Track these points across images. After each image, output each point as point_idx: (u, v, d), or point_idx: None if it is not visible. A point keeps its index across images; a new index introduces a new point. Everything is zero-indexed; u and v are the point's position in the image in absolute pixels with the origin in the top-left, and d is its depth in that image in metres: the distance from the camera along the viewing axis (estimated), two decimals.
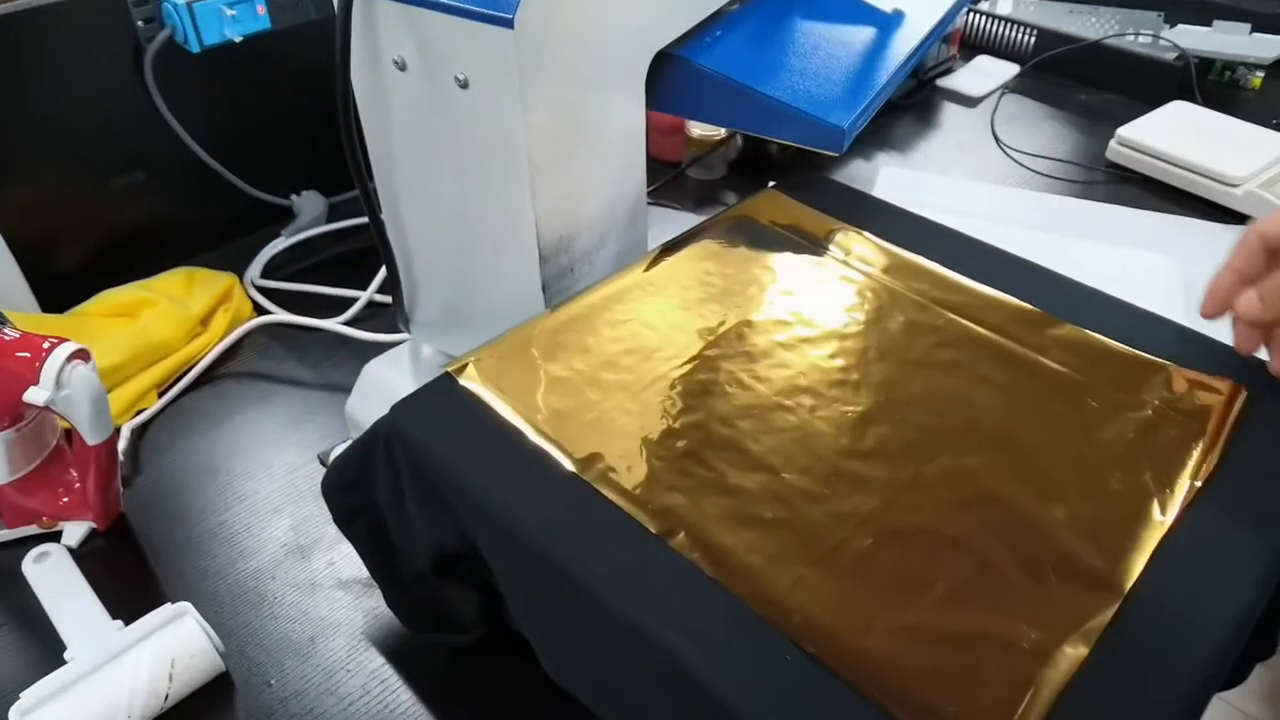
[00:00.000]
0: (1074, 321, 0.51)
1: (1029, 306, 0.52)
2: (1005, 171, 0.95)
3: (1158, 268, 0.80)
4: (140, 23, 0.71)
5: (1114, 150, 0.95)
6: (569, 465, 0.42)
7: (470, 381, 0.46)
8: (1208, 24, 1.11)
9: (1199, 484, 0.41)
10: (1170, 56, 1.06)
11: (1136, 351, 0.49)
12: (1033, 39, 1.14)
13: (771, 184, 0.65)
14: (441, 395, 0.46)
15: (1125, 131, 0.94)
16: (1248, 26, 1.09)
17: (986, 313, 0.51)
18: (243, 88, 0.80)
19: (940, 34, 0.69)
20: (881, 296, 0.53)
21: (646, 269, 0.55)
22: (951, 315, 0.51)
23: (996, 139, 1.01)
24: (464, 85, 0.47)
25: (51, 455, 0.58)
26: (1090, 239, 0.84)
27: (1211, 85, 1.09)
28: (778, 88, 0.57)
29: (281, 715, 0.50)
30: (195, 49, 0.72)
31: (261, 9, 0.73)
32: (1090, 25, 1.13)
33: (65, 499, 0.58)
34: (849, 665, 0.34)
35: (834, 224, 0.59)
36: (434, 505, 0.44)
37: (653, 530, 0.39)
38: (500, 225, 0.52)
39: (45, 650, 0.51)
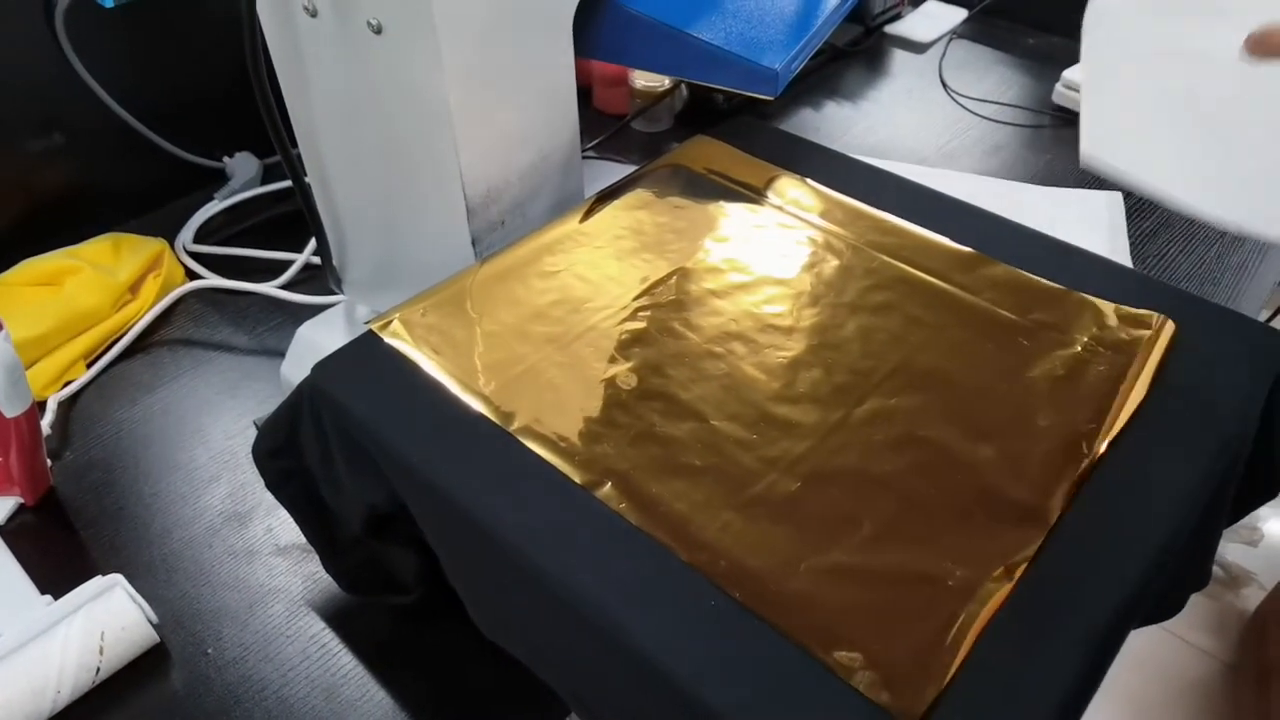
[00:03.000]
0: (1009, 262, 0.51)
1: (964, 248, 0.52)
2: (953, 117, 0.95)
3: (1103, 201, 0.81)
4: None
5: (1060, 93, 0.94)
6: (494, 420, 0.41)
7: (394, 338, 0.45)
8: None
9: (1126, 418, 0.41)
10: None
11: (1068, 289, 0.49)
12: None
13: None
14: (364, 353, 0.45)
15: (1071, 74, 0.94)
16: None
17: (921, 255, 0.51)
18: (166, 44, 0.77)
19: None
20: (816, 241, 0.52)
21: (580, 220, 0.54)
22: (886, 258, 0.51)
23: (944, 85, 1.00)
24: (377, 30, 0.45)
25: None
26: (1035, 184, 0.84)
27: None
28: (709, 31, 0.55)
29: (219, 683, 0.49)
30: (108, 3, 0.68)
31: None
32: None
33: None
34: (774, 608, 0.33)
35: (770, 169, 0.58)
36: (361, 465, 0.44)
37: (578, 482, 0.38)
38: (425, 178, 0.50)
39: None
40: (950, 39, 1.09)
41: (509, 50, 0.49)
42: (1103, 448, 0.40)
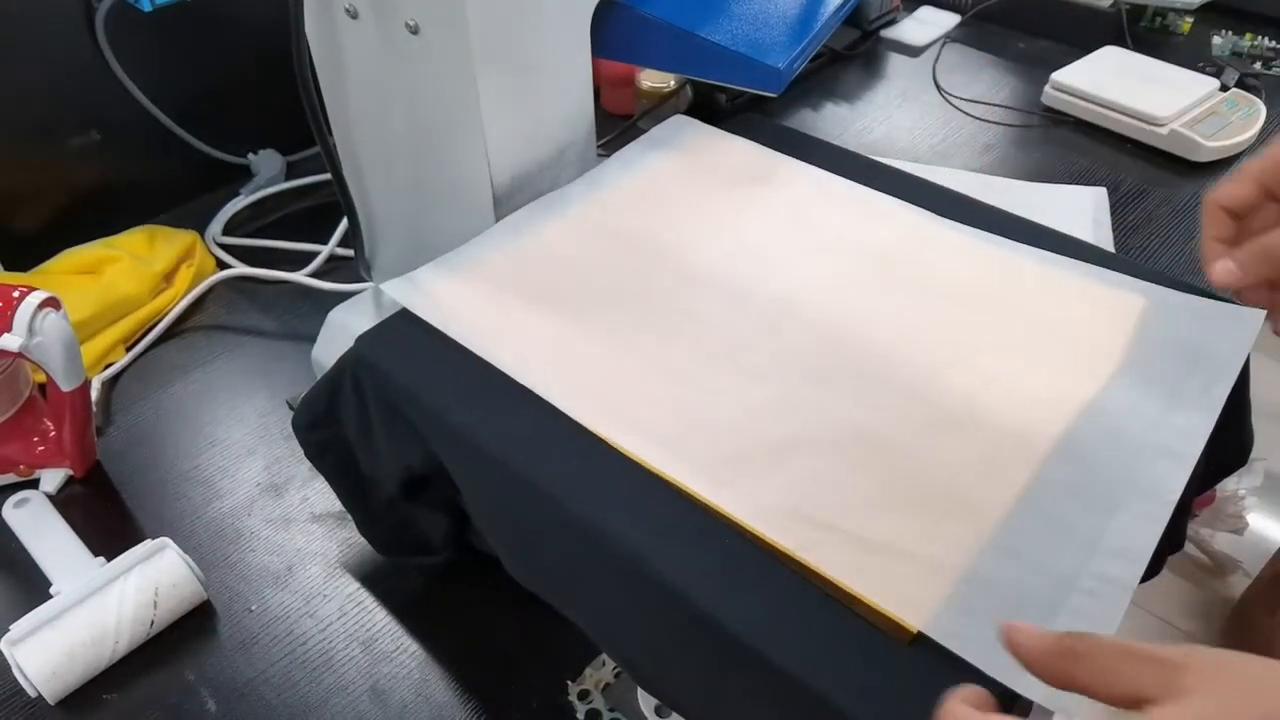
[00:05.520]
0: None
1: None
2: (945, 117, 0.99)
3: (1089, 196, 0.85)
4: None
5: (1048, 95, 0.98)
6: (526, 384, 0.44)
7: (431, 315, 0.49)
8: None
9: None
10: (1104, 4, 1.10)
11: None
12: None
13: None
14: (402, 326, 0.48)
15: (1059, 76, 0.98)
16: None
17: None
18: (197, 46, 0.81)
19: None
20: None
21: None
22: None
23: (938, 86, 1.04)
24: (415, 31, 0.49)
25: (26, 405, 0.60)
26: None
27: (1144, 30, 1.13)
28: (717, 31, 0.59)
29: (264, 638, 0.53)
30: (147, 7, 0.72)
31: None
32: None
33: (41, 447, 0.60)
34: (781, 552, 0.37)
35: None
36: (400, 430, 0.47)
37: (603, 436, 0.42)
38: (455, 169, 0.54)
39: (30, 589, 0.54)
40: (944, 43, 1.13)
41: (534, 48, 0.53)
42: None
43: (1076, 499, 0.39)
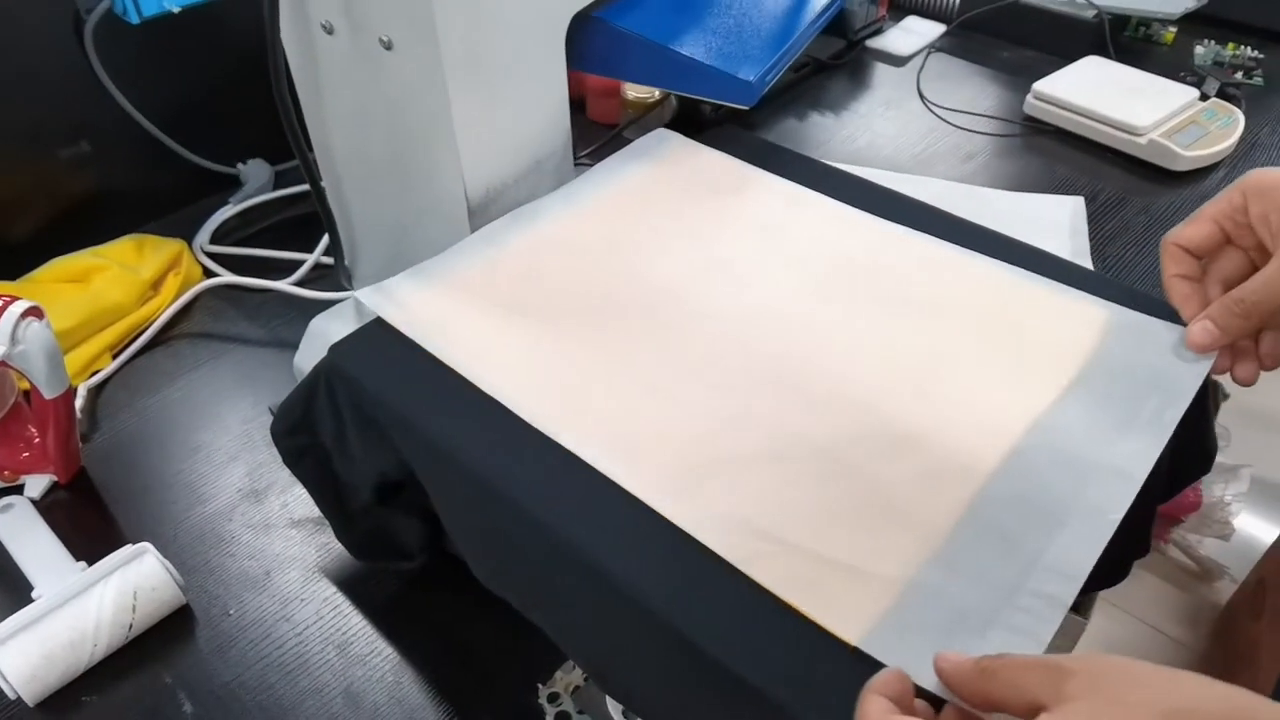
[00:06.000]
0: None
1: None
2: (928, 126, 1.00)
3: (1067, 206, 0.86)
4: None
5: (1030, 104, 0.99)
6: (491, 392, 0.45)
7: (396, 318, 0.50)
8: None
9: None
10: (1088, 14, 1.11)
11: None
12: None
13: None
14: (376, 335, 0.49)
15: (1040, 86, 0.99)
16: None
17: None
18: (185, 58, 0.82)
19: None
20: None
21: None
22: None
23: (921, 95, 1.05)
24: (388, 46, 0.50)
25: (11, 412, 0.61)
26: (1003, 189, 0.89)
27: (1128, 40, 1.14)
28: (690, 45, 0.60)
29: (241, 641, 0.54)
30: (135, 20, 0.73)
31: None
32: None
33: (26, 454, 0.61)
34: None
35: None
36: (373, 436, 0.48)
37: (565, 444, 0.43)
38: (430, 180, 0.55)
39: (13, 592, 0.55)
40: (929, 52, 1.14)
41: (507, 63, 0.54)
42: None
43: (1021, 515, 0.40)
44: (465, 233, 0.56)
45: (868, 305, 0.51)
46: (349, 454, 0.51)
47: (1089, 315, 0.50)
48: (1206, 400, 0.55)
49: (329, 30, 0.52)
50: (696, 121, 0.99)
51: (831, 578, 0.37)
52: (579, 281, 0.52)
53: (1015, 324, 0.50)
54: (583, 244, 0.55)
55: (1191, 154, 0.90)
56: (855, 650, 0.35)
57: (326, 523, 0.57)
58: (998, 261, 0.54)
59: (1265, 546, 1.29)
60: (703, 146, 0.65)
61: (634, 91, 0.95)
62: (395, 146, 0.55)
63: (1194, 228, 0.48)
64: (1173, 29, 1.14)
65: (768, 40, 0.63)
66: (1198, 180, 0.91)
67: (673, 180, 0.61)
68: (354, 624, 0.55)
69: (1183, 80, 1.00)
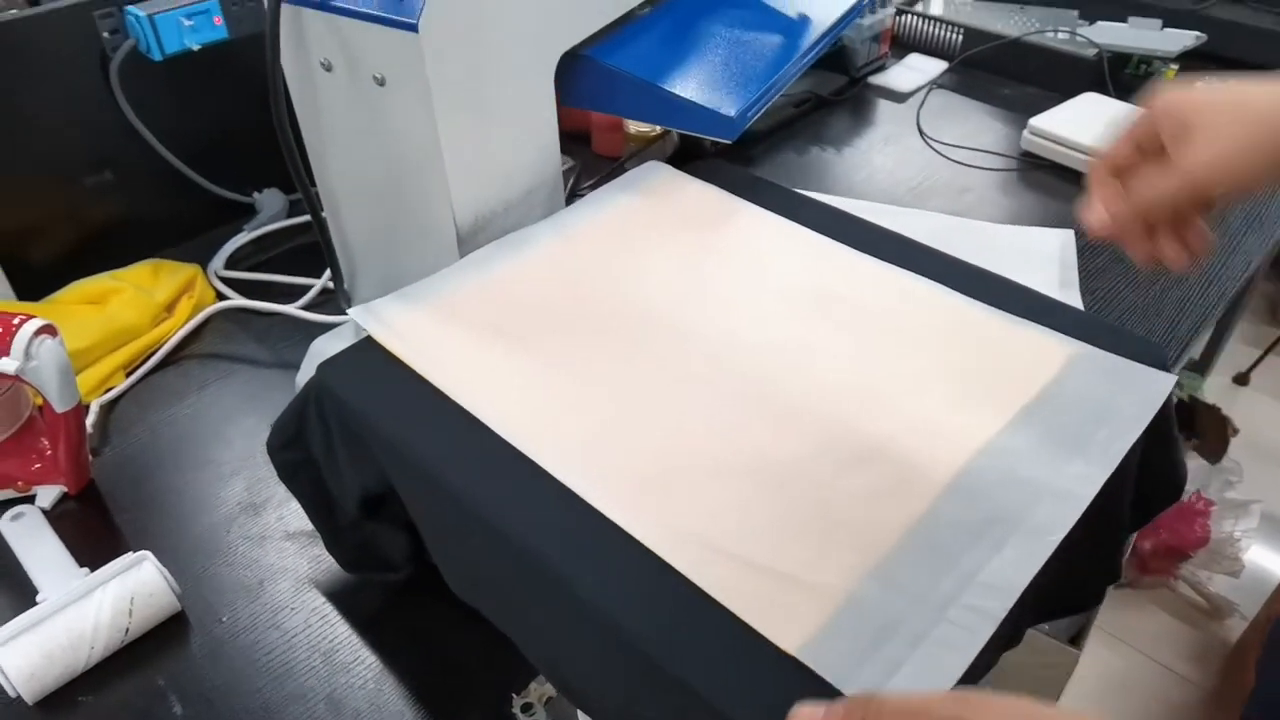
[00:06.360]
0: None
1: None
2: (925, 160, 1.02)
3: (1056, 239, 0.87)
4: (106, 34, 0.77)
5: (1026, 139, 1.01)
6: (465, 407, 0.48)
7: (382, 337, 0.52)
8: (1124, 20, 1.18)
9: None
10: (1089, 52, 1.13)
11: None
12: (960, 37, 1.21)
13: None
14: (363, 353, 0.52)
15: (1036, 121, 1.01)
16: (1159, 22, 1.16)
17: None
18: (204, 93, 0.86)
19: (834, 36, 0.75)
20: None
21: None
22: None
23: (920, 131, 1.07)
24: (381, 83, 0.53)
25: (25, 425, 0.64)
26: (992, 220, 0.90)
27: (1129, 78, 1.16)
28: (675, 82, 0.63)
29: (232, 647, 0.56)
30: (157, 57, 0.78)
31: (219, 19, 0.80)
32: (1015, 23, 1.19)
33: (38, 465, 0.64)
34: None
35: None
36: (358, 451, 0.51)
37: (535, 460, 0.45)
38: (422, 209, 0.58)
39: (20, 596, 0.57)
40: (930, 89, 1.16)
41: (497, 99, 0.57)
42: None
43: (963, 534, 0.41)
44: (454, 258, 0.59)
45: (834, 332, 0.53)
46: (337, 468, 0.53)
47: (1049, 348, 0.51)
48: (1172, 431, 0.56)
49: (328, 68, 0.55)
50: (697, 155, 1.02)
51: (776, 588, 0.39)
52: (557, 305, 0.54)
53: (976, 355, 0.51)
54: (564, 270, 0.57)
55: None
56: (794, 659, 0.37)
57: (318, 536, 0.59)
58: (965, 296, 0.55)
59: (1276, 583, 1.27)
60: (689, 178, 0.67)
61: (635, 126, 0.98)
62: (390, 177, 0.58)
63: (1117, 145, 0.48)
64: (1174, 66, 1.15)
65: (751, 77, 0.66)
66: None
67: (657, 210, 0.63)
68: (340, 633, 0.57)
69: None
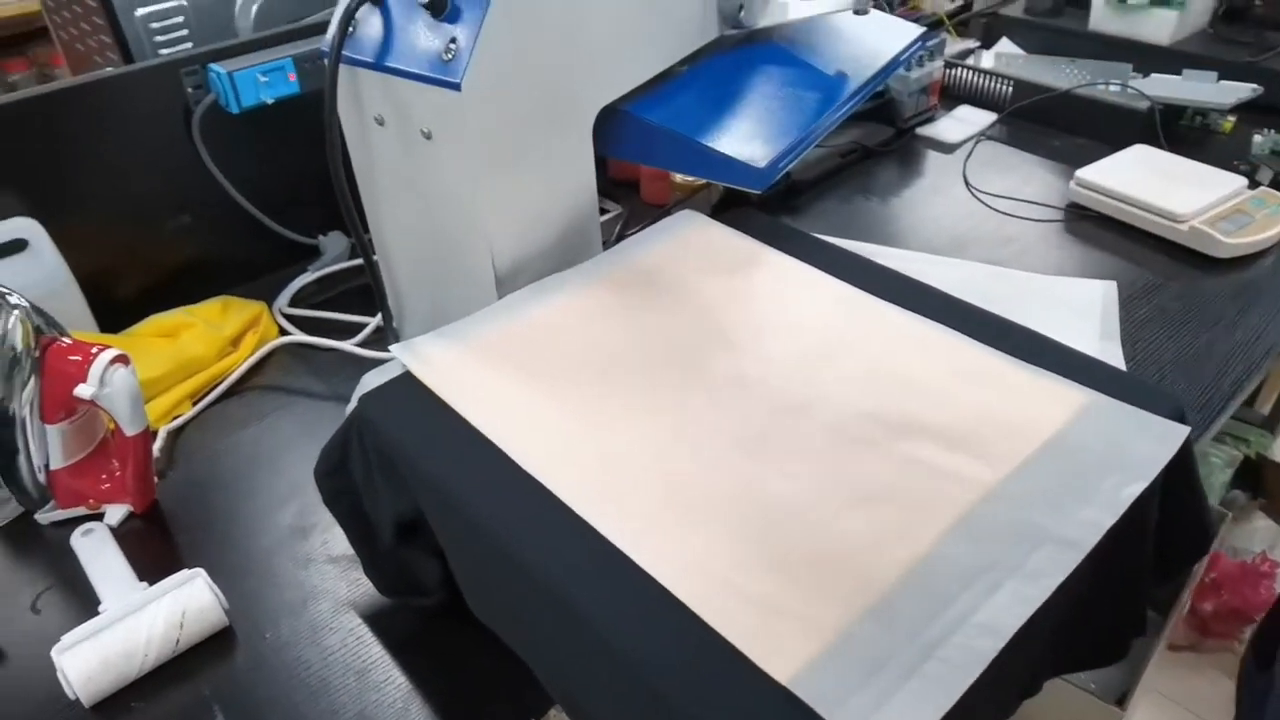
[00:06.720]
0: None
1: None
2: (969, 210, 1.03)
3: (1098, 290, 0.87)
4: (190, 89, 0.84)
5: (1073, 191, 1.01)
6: (494, 441, 0.51)
7: (420, 372, 0.56)
8: (1179, 73, 1.17)
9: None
10: (1141, 104, 1.13)
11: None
12: (1010, 89, 1.22)
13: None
14: (402, 386, 0.55)
15: (1083, 173, 1.01)
16: (1215, 75, 1.15)
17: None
18: (276, 143, 0.93)
19: (871, 90, 0.77)
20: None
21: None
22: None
23: (966, 181, 1.08)
24: (428, 137, 0.57)
25: (98, 447, 0.69)
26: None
27: (1184, 129, 1.15)
28: (708, 135, 0.66)
29: (274, 662, 0.59)
30: (235, 110, 0.84)
31: (292, 76, 0.86)
32: (1067, 76, 1.20)
33: (108, 484, 0.69)
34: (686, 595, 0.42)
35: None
36: (393, 479, 0.54)
37: (554, 492, 0.47)
38: (463, 254, 0.62)
39: (84, 605, 0.62)
40: (978, 140, 1.17)
41: (535, 151, 0.61)
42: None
43: (962, 575, 0.42)
44: (493, 300, 0.62)
45: (848, 376, 0.54)
46: (375, 494, 0.56)
47: (1064, 398, 0.52)
48: (1196, 482, 0.56)
49: (381, 123, 0.59)
50: (742, 203, 1.05)
51: (769, 620, 0.40)
52: (584, 346, 0.57)
53: (988, 401, 0.52)
54: (592, 313, 0.60)
55: (1234, 241, 0.90)
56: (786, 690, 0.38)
57: (358, 560, 0.63)
58: (983, 345, 0.56)
59: None
60: (719, 225, 0.70)
61: (680, 175, 1.01)
62: (435, 223, 0.62)
63: None
64: (1231, 118, 1.15)
65: (783, 130, 0.68)
66: (1242, 268, 0.91)
67: (686, 256, 0.66)
68: (374, 653, 0.59)
69: (1234, 169, 1.01)
